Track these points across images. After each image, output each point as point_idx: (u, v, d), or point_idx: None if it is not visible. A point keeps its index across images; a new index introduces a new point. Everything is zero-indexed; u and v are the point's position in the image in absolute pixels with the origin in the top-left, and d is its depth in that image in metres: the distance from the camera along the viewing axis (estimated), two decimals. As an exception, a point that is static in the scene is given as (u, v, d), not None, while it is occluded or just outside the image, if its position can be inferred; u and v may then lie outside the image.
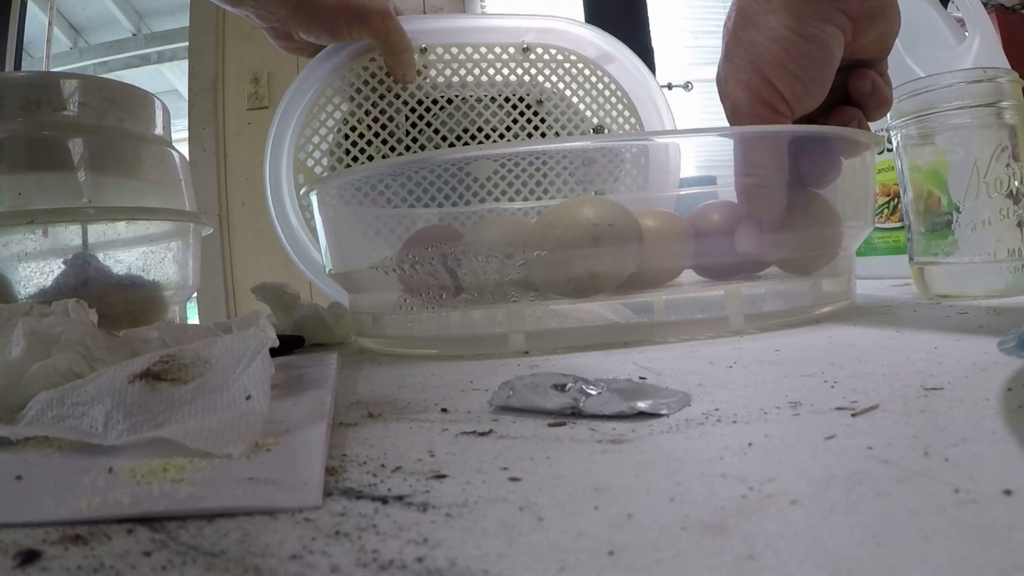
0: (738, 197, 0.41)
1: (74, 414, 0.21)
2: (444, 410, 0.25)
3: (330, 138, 0.60)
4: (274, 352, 0.24)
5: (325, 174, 0.60)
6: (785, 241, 0.42)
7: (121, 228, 0.49)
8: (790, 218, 0.42)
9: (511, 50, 0.63)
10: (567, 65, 0.64)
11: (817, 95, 0.41)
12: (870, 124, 0.45)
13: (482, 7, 2.20)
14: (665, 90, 0.66)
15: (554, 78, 0.64)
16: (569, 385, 0.23)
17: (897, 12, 0.41)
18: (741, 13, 0.41)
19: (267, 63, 2.01)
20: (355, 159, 0.60)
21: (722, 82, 0.43)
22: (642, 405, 0.22)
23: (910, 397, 0.21)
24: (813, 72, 0.40)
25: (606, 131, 0.65)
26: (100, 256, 0.48)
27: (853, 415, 0.20)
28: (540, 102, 0.64)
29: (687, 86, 2.15)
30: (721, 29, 0.44)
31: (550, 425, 0.22)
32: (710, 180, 0.58)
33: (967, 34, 0.67)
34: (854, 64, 0.43)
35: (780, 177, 0.41)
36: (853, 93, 0.44)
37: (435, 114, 0.61)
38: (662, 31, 1.93)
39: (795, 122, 0.42)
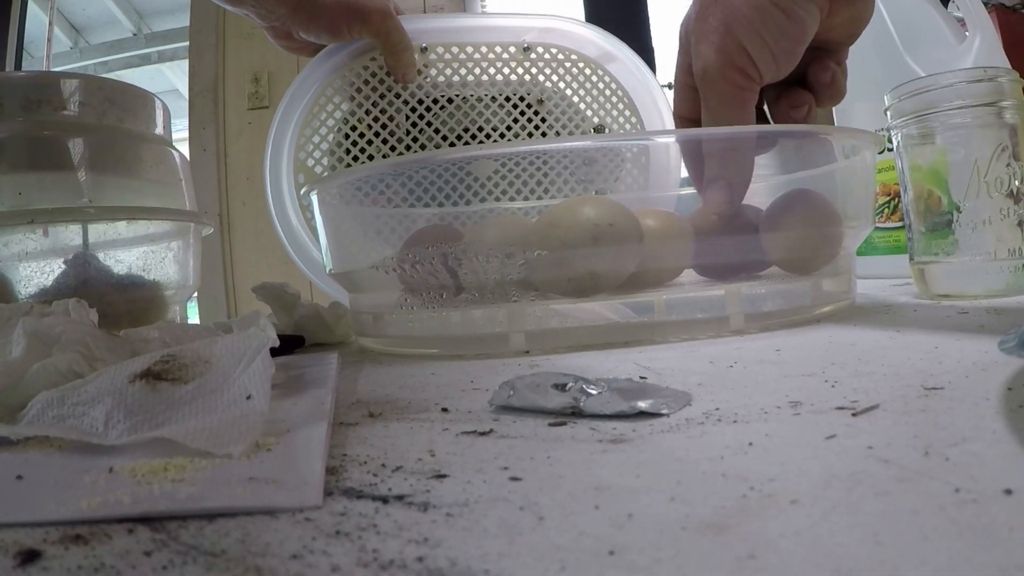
0: (707, 160, 0.41)
1: (75, 414, 0.21)
2: (445, 410, 0.25)
3: (330, 138, 0.60)
4: (274, 352, 0.24)
5: (325, 174, 0.60)
6: (785, 241, 0.42)
7: (121, 228, 0.49)
8: (791, 218, 0.42)
9: (512, 49, 0.63)
10: (568, 64, 0.64)
11: (786, 67, 0.42)
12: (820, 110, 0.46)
13: (482, 6, 2.20)
14: (666, 89, 0.66)
15: (555, 77, 0.64)
16: (570, 385, 0.23)
17: (872, 1, 0.42)
18: None
19: (267, 63, 2.01)
20: (355, 159, 0.60)
21: (691, 37, 0.43)
22: (643, 405, 0.22)
23: (910, 397, 0.21)
24: (786, 44, 0.40)
25: (607, 131, 0.65)
26: (101, 256, 0.48)
27: (854, 415, 0.20)
28: (541, 101, 0.64)
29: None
30: None
31: (551, 425, 0.22)
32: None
33: (967, 33, 0.67)
34: (820, 46, 0.43)
35: (749, 141, 0.41)
36: (811, 79, 0.44)
37: (435, 114, 0.61)
38: (663, 31, 1.93)
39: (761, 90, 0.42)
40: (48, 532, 0.15)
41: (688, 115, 0.46)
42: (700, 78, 0.42)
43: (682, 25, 0.45)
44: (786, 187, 0.44)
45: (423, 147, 0.60)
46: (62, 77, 0.48)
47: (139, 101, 0.52)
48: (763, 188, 0.45)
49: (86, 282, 0.47)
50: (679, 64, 0.46)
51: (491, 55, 0.62)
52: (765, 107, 0.46)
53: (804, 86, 0.45)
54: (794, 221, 0.42)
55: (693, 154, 0.45)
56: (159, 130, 0.54)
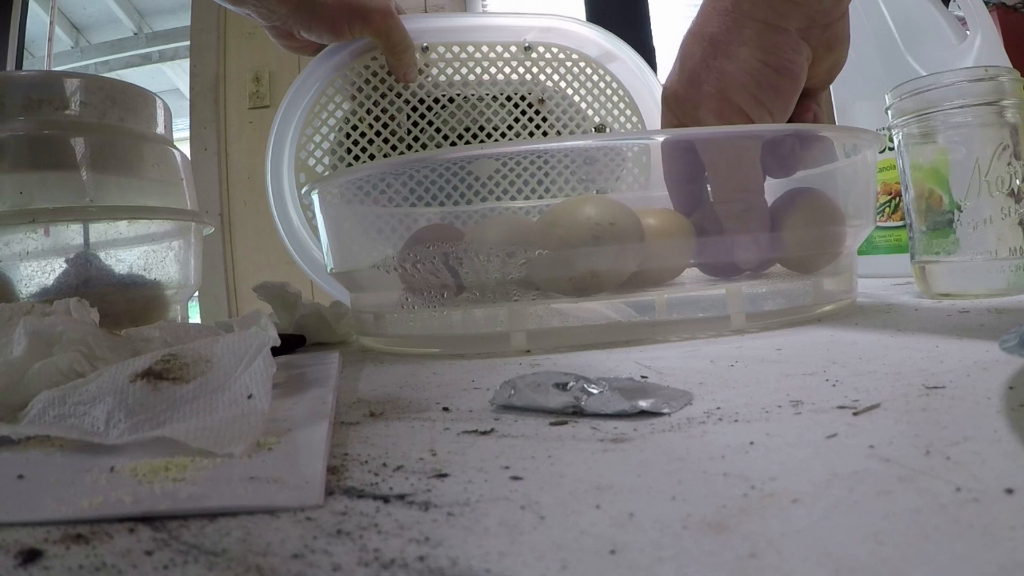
0: (725, 221, 0.42)
1: (76, 413, 0.21)
2: (446, 409, 0.25)
3: (332, 137, 0.60)
4: (276, 351, 0.24)
5: (327, 173, 0.60)
6: (788, 240, 0.42)
7: (123, 227, 0.49)
8: (792, 216, 0.42)
9: (512, 49, 0.63)
10: (568, 64, 0.64)
11: (782, 121, 0.43)
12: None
13: (483, 6, 2.20)
14: (666, 89, 0.66)
15: (556, 77, 0.64)
16: (571, 384, 0.23)
17: (848, 46, 0.43)
18: (711, 42, 0.42)
19: (268, 62, 2.01)
20: (356, 158, 0.60)
21: (682, 102, 0.44)
22: (644, 404, 0.22)
23: (911, 396, 0.21)
24: (781, 103, 0.42)
25: (608, 130, 0.65)
26: (102, 255, 0.49)
27: (855, 414, 0.20)
28: (542, 101, 0.64)
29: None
30: None
31: (552, 424, 0.22)
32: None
33: (968, 33, 0.67)
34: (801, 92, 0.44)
35: (761, 195, 0.42)
36: (795, 121, 0.45)
37: (436, 113, 0.61)
38: (663, 30, 1.93)
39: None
40: (49, 531, 0.15)
41: (682, 176, 0.46)
42: (703, 144, 0.43)
43: (666, 88, 0.46)
44: (788, 186, 0.44)
45: (424, 146, 0.60)
46: (63, 76, 0.48)
47: (140, 100, 0.52)
48: (765, 187, 0.45)
49: (87, 281, 0.47)
50: (666, 127, 0.47)
51: (492, 54, 0.62)
52: None
53: None
54: (796, 220, 0.42)
55: (675, 174, 0.46)
56: (160, 129, 0.54)
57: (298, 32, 0.57)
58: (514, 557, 0.13)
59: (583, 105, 0.65)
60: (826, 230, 0.42)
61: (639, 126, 0.66)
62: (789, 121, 0.45)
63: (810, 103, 0.45)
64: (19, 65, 2.37)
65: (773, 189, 0.44)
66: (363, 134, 0.60)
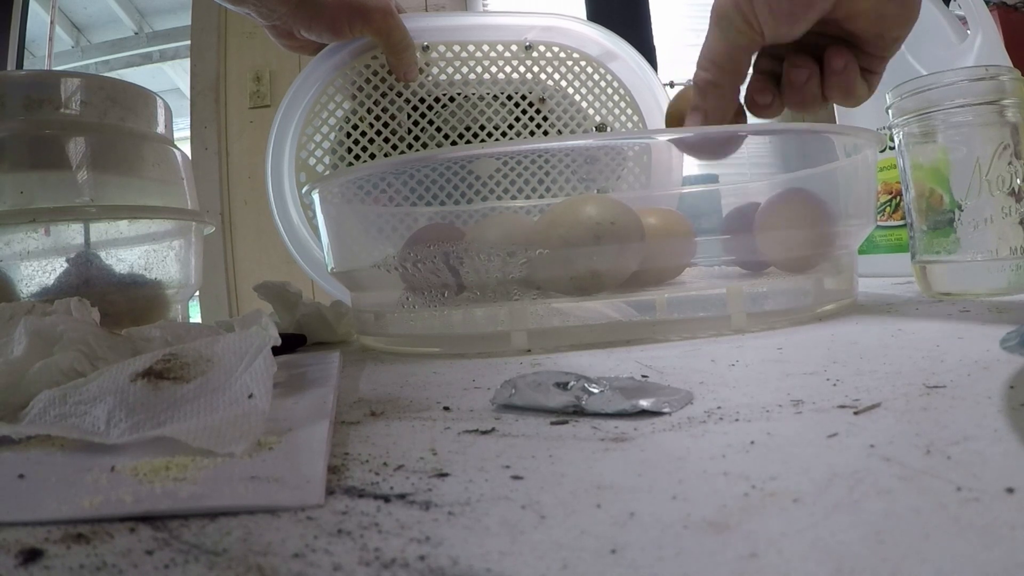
0: (694, 87, 0.42)
1: (76, 413, 0.21)
2: (446, 408, 0.25)
3: (332, 136, 0.60)
4: (276, 351, 0.24)
5: (327, 172, 0.60)
6: (775, 240, 0.42)
7: (123, 227, 0.49)
8: (778, 217, 0.42)
9: (513, 48, 0.63)
10: (569, 63, 0.64)
11: (786, 29, 0.40)
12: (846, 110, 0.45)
13: (484, 5, 2.20)
14: (667, 88, 0.66)
15: (556, 76, 0.64)
16: (571, 383, 0.23)
17: (912, 5, 0.39)
18: None
19: (269, 61, 2.01)
20: (357, 157, 0.60)
21: None
22: (644, 403, 0.22)
23: (912, 395, 0.21)
24: (785, 4, 0.39)
25: (608, 129, 0.65)
26: (102, 255, 0.49)
27: (855, 413, 0.20)
28: (542, 100, 0.64)
29: (690, 84, 2.14)
30: None
31: (552, 423, 0.22)
32: (712, 178, 0.58)
33: (969, 32, 0.67)
34: (847, 37, 0.41)
35: (732, 80, 0.42)
36: (824, 61, 0.42)
37: (437, 112, 0.61)
38: (664, 29, 1.93)
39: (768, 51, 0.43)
40: (50, 531, 0.15)
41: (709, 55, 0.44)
42: (712, 12, 0.42)
43: None
44: (786, 185, 0.44)
45: (425, 146, 0.60)
46: (64, 76, 0.48)
47: (140, 100, 0.52)
48: (765, 187, 0.45)
49: (88, 281, 0.47)
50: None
51: (493, 53, 0.62)
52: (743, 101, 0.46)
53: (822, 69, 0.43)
54: (782, 220, 0.42)
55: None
56: (161, 129, 0.54)
57: (298, 31, 0.57)
58: (515, 556, 0.13)
59: (584, 104, 0.65)
60: (812, 231, 0.42)
61: (640, 125, 0.66)
62: (820, 62, 0.41)
63: (846, 50, 0.41)
64: (19, 65, 2.37)
65: (773, 189, 0.44)
66: (363, 133, 0.60)
